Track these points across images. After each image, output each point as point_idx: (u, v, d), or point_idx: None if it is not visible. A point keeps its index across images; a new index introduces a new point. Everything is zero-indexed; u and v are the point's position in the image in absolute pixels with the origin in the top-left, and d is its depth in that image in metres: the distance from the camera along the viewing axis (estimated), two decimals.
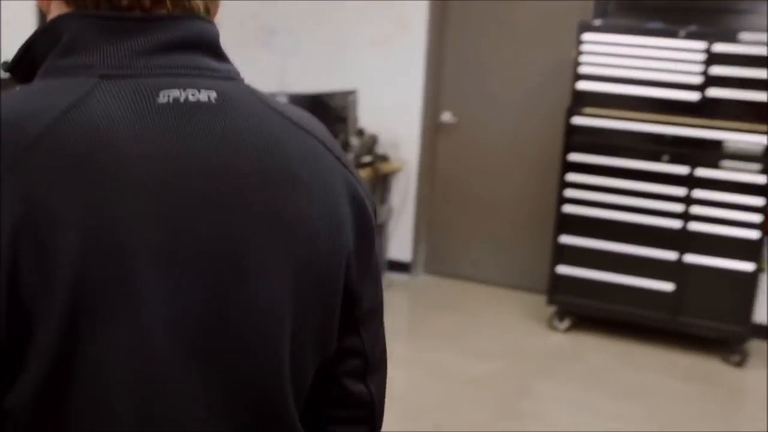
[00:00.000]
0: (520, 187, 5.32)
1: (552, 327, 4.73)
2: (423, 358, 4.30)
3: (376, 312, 1.04)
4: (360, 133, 5.04)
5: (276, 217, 0.89)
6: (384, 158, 5.17)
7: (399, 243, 5.55)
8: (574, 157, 4.51)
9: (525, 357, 4.35)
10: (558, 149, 4.61)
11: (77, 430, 0.83)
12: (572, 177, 4.53)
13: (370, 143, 5.07)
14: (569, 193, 4.55)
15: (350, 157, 4.77)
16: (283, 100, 4.55)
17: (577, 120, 4.47)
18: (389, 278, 5.49)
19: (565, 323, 4.71)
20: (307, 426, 1.03)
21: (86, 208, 0.77)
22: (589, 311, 4.65)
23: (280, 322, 0.90)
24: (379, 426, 1.09)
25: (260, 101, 0.93)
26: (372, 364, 1.04)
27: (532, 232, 5.24)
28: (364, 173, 4.93)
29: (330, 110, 4.75)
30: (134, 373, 0.83)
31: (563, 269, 4.60)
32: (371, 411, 1.06)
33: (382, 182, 5.32)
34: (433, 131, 5.50)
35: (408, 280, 5.54)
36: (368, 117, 5.18)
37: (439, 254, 5.65)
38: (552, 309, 4.74)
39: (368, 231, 0.98)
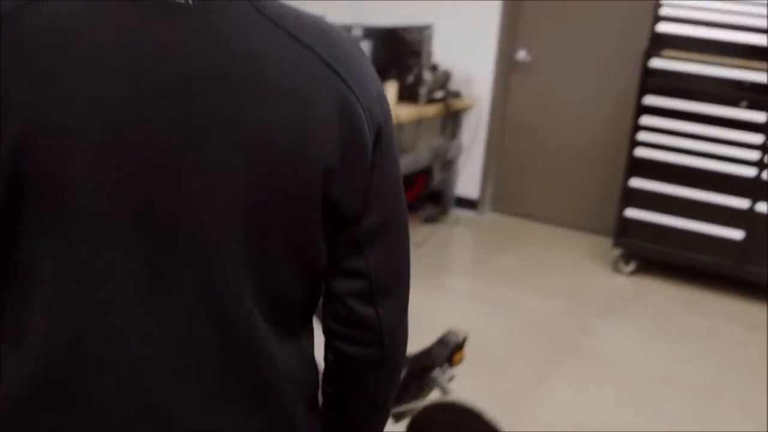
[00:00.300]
0: (592, 129, 5.28)
1: (617, 270, 4.73)
2: (487, 293, 4.36)
3: (384, 234, 1.01)
4: (433, 68, 5.04)
5: (233, 123, 0.89)
6: (456, 94, 5.16)
7: (467, 180, 5.58)
8: (650, 100, 4.45)
9: (588, 297, 4.38)
10: (633, 91, 4.56)
11: (23, 314, 0.91)
12: (646, 120, 4.47)
13: (443, 79, 5.06)
14: (642, 136, 4.50)
15: (422, 92, 4.79)
16: (358, 32, 4.59)
17: (655, 62, 4.40)
18: (456, 214, 5.54)
19: (631, 266, 4.71)
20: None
21: (33, 84, 0.85)
22: (656, 255, 4.64)
23: (223, 228, 0.90)
24: (393, 352, 1.07)
25: (254, 9, 0.92)
26: (379, 288, 1.02)
27: (602, 174, 5.22)
28: (435, 109, 4.94)
29: (405, 44, 4.75)
30: (68, 265, 0.88)
31: (631, 212, 4.58)
32: (379, 335, 1.04)
33: (453, 119, 5.33)
34: (507, 69, 5.47)
35: (475, 217, 5.58)
36: (443, 52, 5.17)
37: (506, 192, 5.66)
38: (618, 252, 4.74)
39: (360, 149, 0.95)
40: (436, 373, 2.36)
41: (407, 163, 4.92)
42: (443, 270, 4.75)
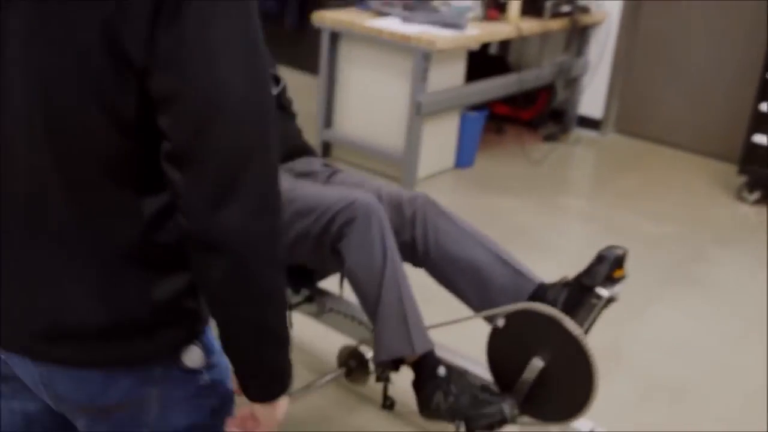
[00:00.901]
0: (723, 49, 5.04)
1: (740, 198, 4.57)
2: (602, 214, 4.31)
3: (183, 100, 0.95)
4: None
5: None
6: (584, 9, 5.01)
7: (591, 99, 5.45)
8: None
9: (707, 224, 4.27)
10: None
11: None
12: None
13: None
14: None
15: (548, 5, 4.69)
16: None
17: None
18: (578, 134, 5.44)
19: (755, 195, 4.54)
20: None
21: None
22: None
23: (13, 87, 0.98)
24: (205, 230, 1.00)
25: None
26: (181, 154, 0.97)
27: (731, 98, 5.00)
28: (561, 23, 4.83)
29: None
30: None
31: (760, 138, 4.39)
32: (186, 205, 1.00)
33: (579, 34, 5.18)
34: None
35: (597, 138, 5.47)
36: None
37: (631, 113, 5.51)
38: (742, 179, 4.57)
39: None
40: (599, 291, 2.30)
41: (529, 78, 4.85)
42: (560, 190, 4.70)
